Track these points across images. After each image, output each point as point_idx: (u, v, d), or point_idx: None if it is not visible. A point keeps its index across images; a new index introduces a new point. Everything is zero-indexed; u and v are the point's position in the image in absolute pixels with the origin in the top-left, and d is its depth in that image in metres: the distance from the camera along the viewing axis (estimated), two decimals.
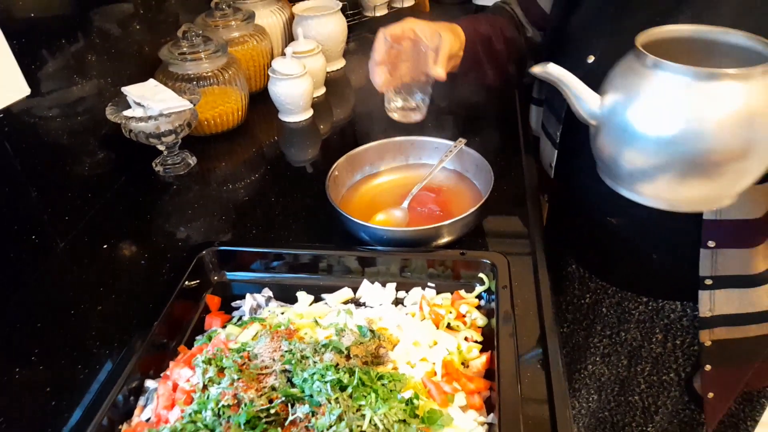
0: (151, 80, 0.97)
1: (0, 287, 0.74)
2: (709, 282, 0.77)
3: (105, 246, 0.83)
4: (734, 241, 0.74)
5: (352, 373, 0.53)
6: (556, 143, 0.83)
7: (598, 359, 0.98)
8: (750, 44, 0.55)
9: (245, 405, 0.50)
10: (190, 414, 0.51)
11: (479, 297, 0.69)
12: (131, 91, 0.93)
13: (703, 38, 0.59)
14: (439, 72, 0.76)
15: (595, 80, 0.64)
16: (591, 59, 0.75)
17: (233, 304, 0.72)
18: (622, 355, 0.96)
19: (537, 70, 0.62)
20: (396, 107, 0.82)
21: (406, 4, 1.52)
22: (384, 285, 0.71)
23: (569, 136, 0.81)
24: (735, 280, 0.77)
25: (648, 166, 0.56)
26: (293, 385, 0.53)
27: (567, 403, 0.57)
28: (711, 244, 0.74)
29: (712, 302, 0.79)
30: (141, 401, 0.59)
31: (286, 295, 0.72)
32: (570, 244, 0.96)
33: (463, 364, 0.60)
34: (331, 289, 0.72)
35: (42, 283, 0.78)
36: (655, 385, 0.92)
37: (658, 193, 0.58)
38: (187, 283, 0.71)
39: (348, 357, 0.55)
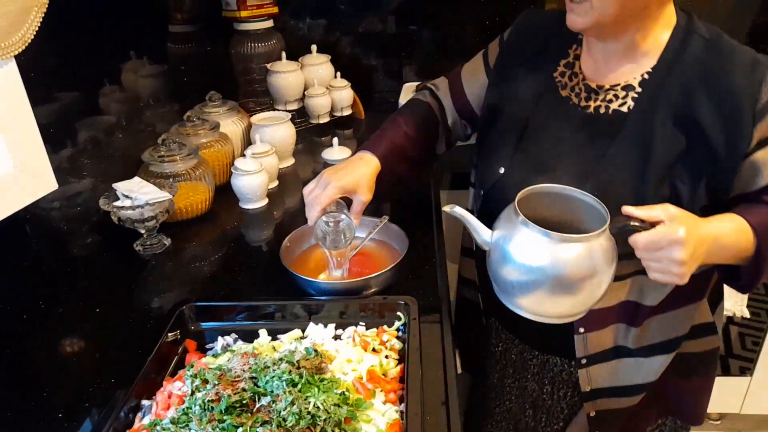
0: (136, 177, 1.21)
1: (18, 343, 0.91)
2: (584, 361, 0.96)
3: (98, 309, 1.02)
4: (598, 325, 0.93)
5: (301, 375, 0.74)
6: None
7: (513, 398, 1.16)
8: (593, 203, 0.80)
9: (224, 399, 0.70)
10: (183, 409, 0.70)
11: (398, 329, 0.92)
12: (120, 186, 1.16)
13: (565, 194, 0.82)
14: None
15: (505, 187, 0.88)
16: (501, 170, 0.96)
17: (207, 346, 0.92)
18: (527, 404, 1.13)
19: (446, 209, 0.84)
20: (325, 238, 1.01)
21: (345, 113, 1.84)
22: (326, 326, 0.93)
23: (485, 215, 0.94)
24: (602, 356, 0.96)
25: (522, 284, 0.77)
26: (258, 387, 0.73)
27: (454, 396, 0.79)
28: (581, 330, 0.94)
29: (589, 378, 0.98)
30: (139, 415, 0.77)
31: (250, 339, 0.92)
32: (486, 302, 1.15)
33: (384, 375, 0.82)
34: (285, 332, 0.93)
35: (47, 339, 0.95)
36: None
37: (531, 306, 0.79)
38: (170, 332, 0.91)
39: (298, 367, 0.77)
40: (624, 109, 0.87)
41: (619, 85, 0.88)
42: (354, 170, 1.02)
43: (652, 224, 0.74)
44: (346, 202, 1.04)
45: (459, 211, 0.84)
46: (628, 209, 0.75)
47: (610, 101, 0.89)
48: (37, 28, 0.82)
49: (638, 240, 0.74)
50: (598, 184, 0.84)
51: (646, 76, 0.87)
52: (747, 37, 1.85)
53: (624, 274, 0.88)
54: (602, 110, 0.89)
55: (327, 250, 1.04)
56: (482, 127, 1.06)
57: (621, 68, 0.89)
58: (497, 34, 1.10)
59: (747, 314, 1.72)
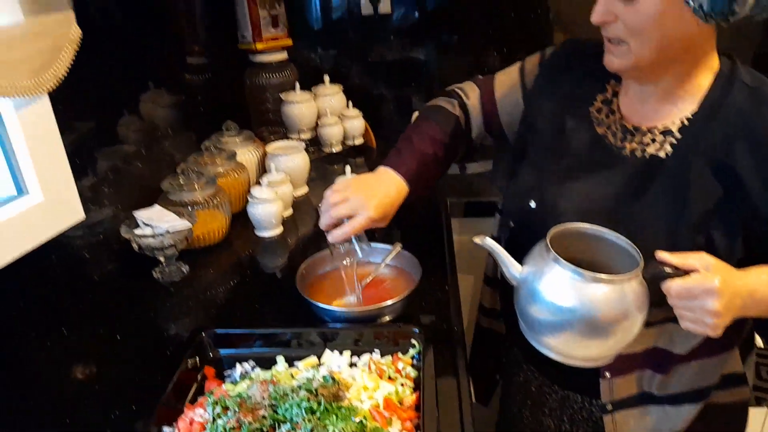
0: (156, 206, 1.24)
1: (40, 369, 0.93)
2: (609, 407, 0.94)
3: (118, 336, 1.04)
4: (624, 370, 0.92)
5: (319, 403, 0.75)
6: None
7: (529, 431, 1.14)
8: (626, 246, 0.79)
9: (245, 426, 0.71)
10: None
11: (412, 357, 0.93)
12: (140, 215, 1.19)
13: (597, 235, 0.82)
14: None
15: (535, 222, 0.88)
16: (533, 204, 0.95)
17: (225, 373, 0.93)
18: None
19: (477, 240, 0.83)
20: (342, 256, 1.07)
21: (357, 143, 1.88)
22: (341, 353, 0.95)
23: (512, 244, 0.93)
24: (628, 402, 0.94)
25: (550, 323, 0.76)
26: (278, 414, 0.74)
27: (470, 425, 0.80)
28: (607, 374, 0.92)
29: (615, 425, 0.94)
30: None
31: (266, 365, 0.93)
32: (509, 331, 1.13)
33: (400, 403, 0.83)
34: (302, 358, 0.94)
35: (68, 365, 0.97)
36: None
37: (559, 347, 0.78)
38: (189, 359, 0.93)
39: (316, 395, 0.78)
40: (661, 154, 0.85)
41: (656, 128, 0.87)
42: (385, 197, 0.99)
43: (686, 272, 0.72)
44: None
45: (490, 243, 0.83)
46: (662, 255, 0.74)
47: (647, 144, 0.87)
48: (69, 65, 0.86)
49: (671, 287, 0.72)
50: (630, 228, 0.82)
51: (686, 122, 0.85)
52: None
53: (654, 321, 0.86)
54: (638, 153, 0.87)
55: (343, 271, 1.06)
56: (514, 155, 1.05)
57: (659, 110, 0.87)
58: (507, 64, 1.12)
59: (761, 344, 1.71)
